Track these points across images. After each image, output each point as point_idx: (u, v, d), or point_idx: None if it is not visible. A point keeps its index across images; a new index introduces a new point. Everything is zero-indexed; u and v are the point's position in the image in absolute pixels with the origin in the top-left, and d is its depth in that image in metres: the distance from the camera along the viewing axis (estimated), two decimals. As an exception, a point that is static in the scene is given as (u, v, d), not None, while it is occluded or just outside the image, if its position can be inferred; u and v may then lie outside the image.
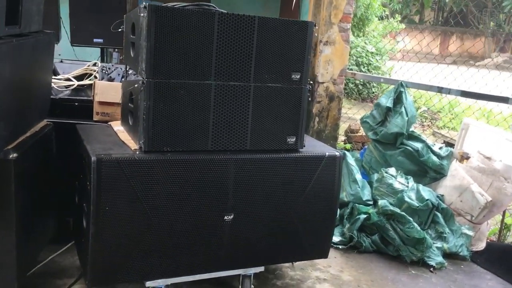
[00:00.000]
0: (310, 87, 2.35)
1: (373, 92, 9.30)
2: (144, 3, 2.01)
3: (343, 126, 5.24)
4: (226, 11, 2.12)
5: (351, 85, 9.14)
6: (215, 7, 2.14)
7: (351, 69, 8.91)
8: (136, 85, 2.11)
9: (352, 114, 5.95)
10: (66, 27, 3.87)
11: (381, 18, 11.27)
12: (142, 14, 1.99)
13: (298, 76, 2.30)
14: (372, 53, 9.26)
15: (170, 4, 2.08)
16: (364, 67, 9.16)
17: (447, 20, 25.29)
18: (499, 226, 3.47)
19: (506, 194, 3.14)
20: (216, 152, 2.19)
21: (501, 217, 3.45)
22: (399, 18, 11.57)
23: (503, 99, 3.30)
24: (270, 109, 2.28)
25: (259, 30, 2.17)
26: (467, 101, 7.00)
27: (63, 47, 4.05)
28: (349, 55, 9.15)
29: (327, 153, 2.43)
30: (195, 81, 2.10)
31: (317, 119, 3.96)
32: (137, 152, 2.07)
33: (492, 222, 3.60)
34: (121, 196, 2.01)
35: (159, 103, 2.05)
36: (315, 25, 2.34)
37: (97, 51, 4.15)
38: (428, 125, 7.40)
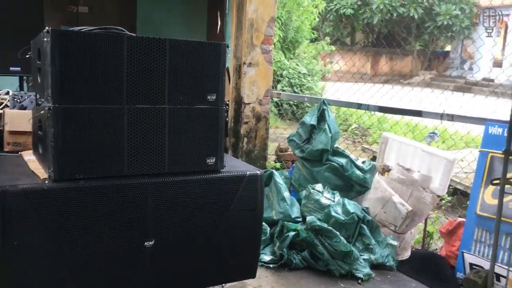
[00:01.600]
0: (227, 107, 2.37)
1: (307, 112, 9.52)
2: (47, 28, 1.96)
3: (275, 146, 5.32)
4: (135, 35, 2.12)
5: (286, 105, 9.32)
6: (124, 31, 2.13)
7: (284, 90, 9.11)
8: (43, 112, 2.04)
9: (287, 134, 6.05)
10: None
11: (312, 41, 11.66)
12: (45, 39, 1.94)
13: (214, 97, 2.32)
14: (304, 74, 9.52)
15: (76, 28, 2.04)
16: (297, 88, 9.39)
17: (377, 42, 26.57)
18: (423, 234, 3.61)
19: (425, 203, 3.28)
20: (132, 177, 2.15)
21: (423, 225, 3.59)
22: (329, 41, 12.01)
23: (417, 113, 3.48)
24: (187, 131, 2.27)
25: (171, 53, 2.17)
26: (394, 117, 7.32)
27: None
28: (282, 77, 9.38)
29: (247, 172, 2.44)
30: (106, 105, 2.06)
31: (245, 139, 3.99)
32: (46, 182, 1.99)
33: (416, 231, 3.74)
34: (30, 229, 1.92)
35: (68, 129, 1.99)
36: (227, 46, 2.37)
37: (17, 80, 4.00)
38: (359, 141, 7.65)
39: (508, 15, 21.94)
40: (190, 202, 2.27)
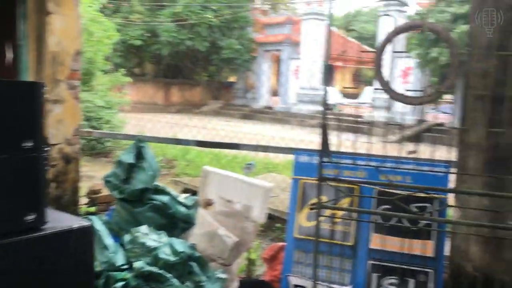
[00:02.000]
0: (47, 154, 2.09)
1: (107, 147, 9.10)
2: None
3: (83, 187, 4.89)
4: None
5: (83, 140, 8.72)
6: None
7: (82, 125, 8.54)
8: None
9: (93, 172, 5.66)
10: None
11: (106, 72, 11.25)
12: None
13: (31, 144, 2.02)
14: (101, 107, 9.10)
15: None
16: (95, 122, 8.90)
17: (166, 73, 27.19)
18: (246, 262, 3.74)
19: (248, 232, 3.42)
20: None
21: (246, 253, 3.73)
22: (123, 72, 11.78)
23: (235, 146, 3.63)
24: (-1, 185, 1.92)
25: (-25, 94, 1.82)
26: (199, 149, 7.51)
27: None
28: (78, 111, 8.78)
29: (74, 225, 2.18)
30: None
31: (54, 185, 3.57)
32: None
33: (238, 260, 3.85)
34: None
35: None
36: (44, 86, 2.10)
37: None
38: (166, 173, 7.62)
39: (279, 50, 24.95)
40: (9, 269, 1.91)
